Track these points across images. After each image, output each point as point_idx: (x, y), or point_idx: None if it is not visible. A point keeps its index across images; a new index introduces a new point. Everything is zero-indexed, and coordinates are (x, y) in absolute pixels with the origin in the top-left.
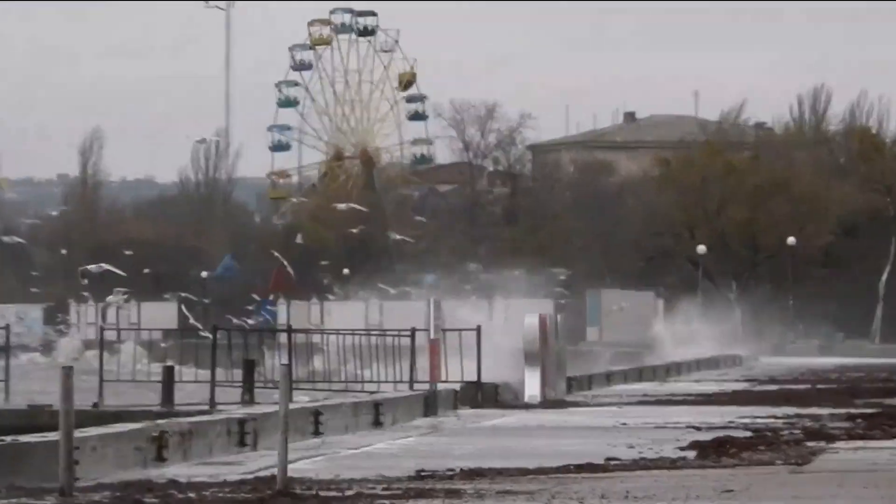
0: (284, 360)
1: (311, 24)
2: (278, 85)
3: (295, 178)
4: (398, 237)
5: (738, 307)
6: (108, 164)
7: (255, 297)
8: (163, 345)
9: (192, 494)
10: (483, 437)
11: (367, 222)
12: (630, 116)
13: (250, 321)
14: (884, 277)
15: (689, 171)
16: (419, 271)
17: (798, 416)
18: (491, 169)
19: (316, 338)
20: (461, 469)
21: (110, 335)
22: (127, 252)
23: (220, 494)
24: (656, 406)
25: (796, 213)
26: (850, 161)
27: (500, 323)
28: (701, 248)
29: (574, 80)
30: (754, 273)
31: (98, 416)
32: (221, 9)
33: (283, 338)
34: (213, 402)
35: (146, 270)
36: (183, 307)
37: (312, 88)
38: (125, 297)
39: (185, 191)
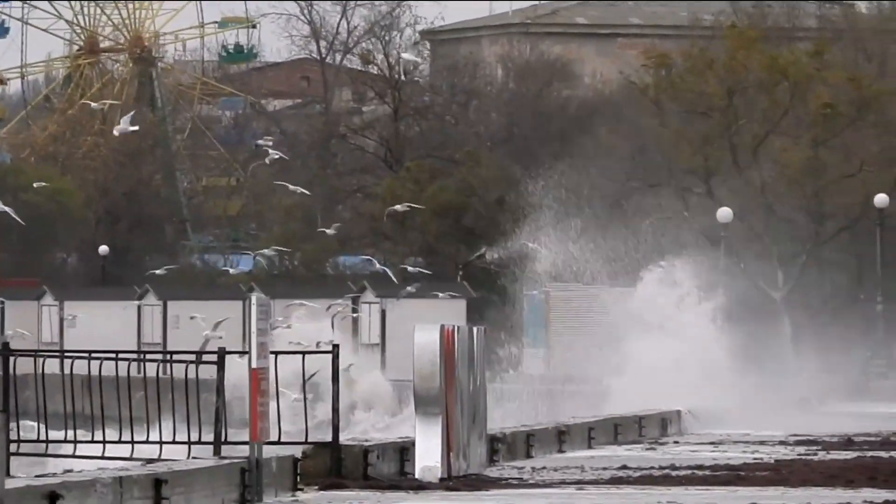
0: None
1: None
2: None
3: (14, 86)
4: (193, 184)
5: (788, 314)
6: None
7: None
8: None
9: None
10: None
11: (140, 162)
12: None
13: None
14: None
15: (707, 78)
16: (231, 250)
17: None
18: (358, 68)
19: (52, 365)
20: None
21: None
22: None
23: None
24: (642, 489)
25: (894, 152)
26: None
27: (372, 340)
28: (724, 213)
29: None
30: (818, 256)
31: None
32: None
33: None
34: None
35: None
36: None
37: None
38: None
39: None
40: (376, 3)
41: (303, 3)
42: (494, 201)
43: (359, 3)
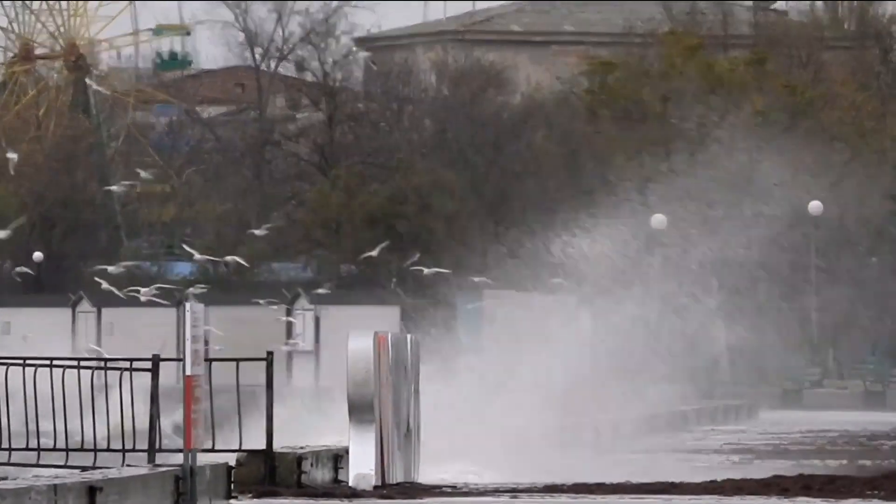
0: None
1: None
2: None
3: None
4: (121, 189)
5: (721, 321)
6: None
7: None
8: None
9: None
10: None
11: (74, 169)
12: None
13: None
14: None
15: (642, 84)
16: (167, 257)
17: None
18: (293, 75)
19: None
20: None
21: None
22: None
23: None
24: (576, 497)
25: (828, 159)
26: None
27: (301, 344)
28: (659, 219)
29: None
30: (749, 262)
31: None
32: None
33: None
34: None
35: None
36: None
37: None
38: None
39: None
40: (311, 10)
41: (237, 11)
42: (426, 207)
43: (294, 10)
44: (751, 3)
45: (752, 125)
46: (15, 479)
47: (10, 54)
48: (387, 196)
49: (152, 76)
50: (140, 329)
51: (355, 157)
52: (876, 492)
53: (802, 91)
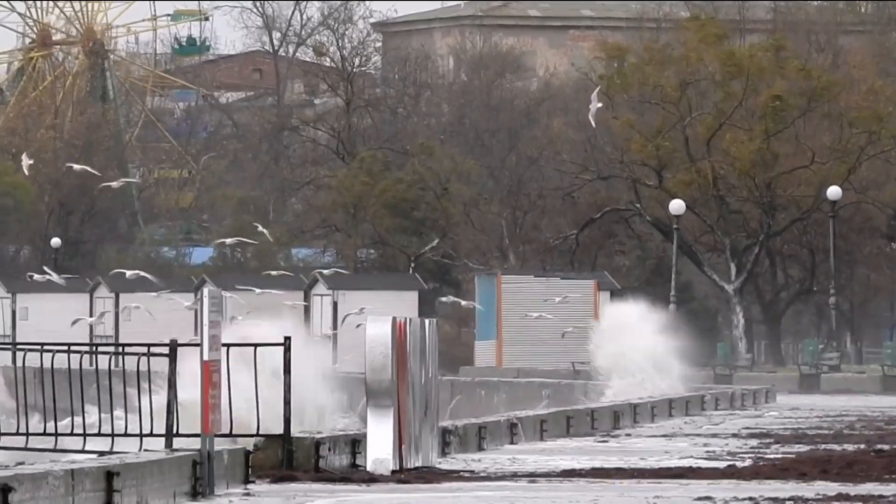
0: None
1: None
2: None
3: None
4: (137, 180)
5: (741, 307)
6: None
7: None
8: None
9: None
10: None
11: (93, 155)
12: None
13: None
14: None
15: (659, 70)
16: (184, 241)
17: (844, 498)
18: (311, 60)
19: (5, 357)
20: None
21: None
22: None
23: None
24: (594, 481)
25: (846, 144)
26: None
27: (325, 332)
28: (676, 205)
29: None
30: (770, 248)
31: None
32: None
33: None
34: None
35: None
36: None
37: None
38: None
39: None
40: None
41: None
42: (444, 192)
43: None
44: None
45: (768, 109)
46: (32, 464)
47: (28, 40)
48: (407, 182)
49: (170, 62)
50: (157, 314)
51: (373, 142)
52: (894, 475)
53: (820, 75)
